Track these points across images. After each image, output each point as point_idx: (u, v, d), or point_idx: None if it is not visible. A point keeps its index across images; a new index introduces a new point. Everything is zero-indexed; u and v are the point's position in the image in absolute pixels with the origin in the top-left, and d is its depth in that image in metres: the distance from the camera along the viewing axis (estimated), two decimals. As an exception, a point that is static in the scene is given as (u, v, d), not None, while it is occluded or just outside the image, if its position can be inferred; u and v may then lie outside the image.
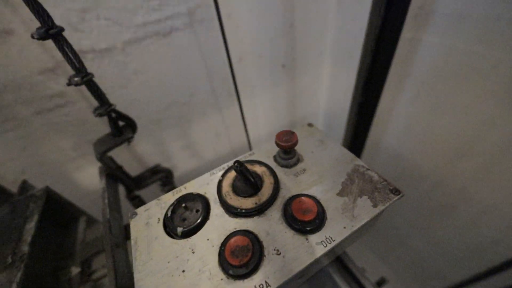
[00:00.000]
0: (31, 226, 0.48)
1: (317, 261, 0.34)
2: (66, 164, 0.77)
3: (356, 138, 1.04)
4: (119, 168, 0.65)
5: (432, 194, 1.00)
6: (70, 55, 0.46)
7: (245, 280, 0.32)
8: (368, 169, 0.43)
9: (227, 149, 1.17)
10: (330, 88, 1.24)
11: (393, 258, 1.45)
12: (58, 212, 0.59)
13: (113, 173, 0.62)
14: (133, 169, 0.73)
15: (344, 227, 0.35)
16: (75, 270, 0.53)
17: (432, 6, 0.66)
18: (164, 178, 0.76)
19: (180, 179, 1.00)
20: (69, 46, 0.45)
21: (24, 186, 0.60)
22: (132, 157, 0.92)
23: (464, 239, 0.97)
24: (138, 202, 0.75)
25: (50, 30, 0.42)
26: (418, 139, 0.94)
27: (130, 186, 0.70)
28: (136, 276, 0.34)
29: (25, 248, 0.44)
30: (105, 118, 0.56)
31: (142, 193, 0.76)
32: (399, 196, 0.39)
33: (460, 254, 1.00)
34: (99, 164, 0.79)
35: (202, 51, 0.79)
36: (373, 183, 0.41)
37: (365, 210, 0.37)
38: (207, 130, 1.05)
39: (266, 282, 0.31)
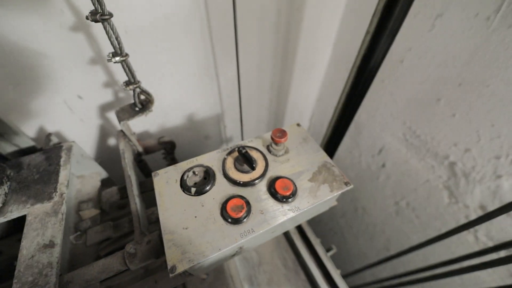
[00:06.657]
0: (65, 173, 0.59)
1: (286, 221, 0.50)
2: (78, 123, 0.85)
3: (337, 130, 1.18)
4: (134, 134, 0.76)
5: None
6: (114, 37, 0.55)
7: (238, 226, 0.47)
8: (333, 166, 0.59)
9: (221, 131, 1.30)
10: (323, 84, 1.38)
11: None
12: (80, 164, 0.70)
13: (129, 138, 0.73)
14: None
15: (308, 202, 0.52)
16: (95, 211, 0.66)
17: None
18: (168, 148, 0.88)
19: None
20: (114, 30, 0.54)
21: (49, 139, 0.69)
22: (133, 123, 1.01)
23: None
24: (143, 164, 0.87)
25: (102, 16, 0.51)
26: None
27: (139, 150, 0.81)
28: (161, 217, 0.49)
29: (64, 189, 0.56)
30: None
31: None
32: (349, 187, 0.56)
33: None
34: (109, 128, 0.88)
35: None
36: (334, 176, 0.57)
37: (324, 193, 0.54)
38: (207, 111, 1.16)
39: (251, 229, 0.47)
